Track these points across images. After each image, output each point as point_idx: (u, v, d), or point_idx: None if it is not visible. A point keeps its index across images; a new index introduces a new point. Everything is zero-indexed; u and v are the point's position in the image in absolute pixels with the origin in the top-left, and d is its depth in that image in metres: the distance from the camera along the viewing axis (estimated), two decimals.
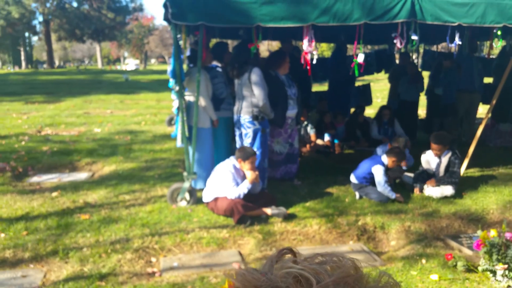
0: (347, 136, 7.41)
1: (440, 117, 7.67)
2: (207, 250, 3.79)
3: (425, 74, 8.13)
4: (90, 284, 3.19)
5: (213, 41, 7.48)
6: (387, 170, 4.96)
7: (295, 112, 5.25)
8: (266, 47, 9.07)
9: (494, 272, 3.25)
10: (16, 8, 36.10)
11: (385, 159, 4.94)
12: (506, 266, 3.18)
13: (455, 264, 3.44)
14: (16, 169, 6.08)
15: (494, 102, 5.52)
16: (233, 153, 4.70)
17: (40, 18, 41.04)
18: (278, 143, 5.36)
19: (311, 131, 6.88)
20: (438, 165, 5.16)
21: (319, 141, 6.96)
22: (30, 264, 3.51)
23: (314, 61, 4.61)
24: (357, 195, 4.99)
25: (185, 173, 4.74)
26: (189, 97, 5.03)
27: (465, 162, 5.53)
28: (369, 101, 9.12)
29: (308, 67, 4.54)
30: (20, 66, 50.60)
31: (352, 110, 8.07)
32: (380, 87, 17.34)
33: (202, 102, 4.92)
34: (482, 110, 8.94)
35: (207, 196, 4.52)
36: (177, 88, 4.69)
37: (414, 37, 4.41)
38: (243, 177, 4.48)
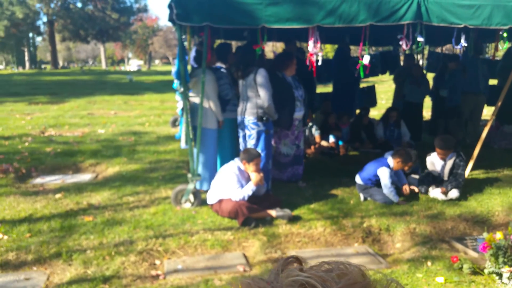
0: (351, 138, 7.38)
1: (445, 119, 7.63)
2: (211, 253, 3.78)
3: (430, 76, 8.10)
4: (94, 287, 3.18)
5: (217, 42, 7.47)
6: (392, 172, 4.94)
7: (302, 113, 5.25)
8: (270, 48, 9.05)
9: (500, 275, 3.22)
10: (20, 9, 36.25)
11: (390, 161, 4.92)
12: None
13: (461, 266, 3.42)
14: (20, 170, 6.08)
15: (499, 104, 5.49)
16: (237, 155, 4.68)
17: (44, 19, 41.25)
18: (285, 145, 5.35)
19: (315, 132, 6.86)
20: (443, 167, 5.13)
21: (323, 143, 6.94)
22: (33, 267, 3.50)
23: (320, 63, 4.59)
24: (362, 197, 4.97)
25: (189, 175, 4.73)
26: (194, 98, 5.02)
27: (470, 164, 5.50)
28: (373, 103, 9.10)
29: (313, 69, 4.53)
30: (24, 67, 50.81)
31: (357, 111, 8.04)
32: (384, 88, 17.31)
33: (210, 102, 4.91)
34: (487, 112, 8.89)
35: (211, 198, 4.50)
36: (181, 89, 4.68)
37: (420, 39, 4.38)
38: (248, 179, 4.46)
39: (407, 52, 8.47)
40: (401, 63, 9.14)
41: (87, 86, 21.11)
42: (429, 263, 3.57)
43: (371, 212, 4.58)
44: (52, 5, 38.10)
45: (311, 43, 4.42)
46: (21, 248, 3.73)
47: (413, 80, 7.64)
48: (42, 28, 43.68)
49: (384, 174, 4.81)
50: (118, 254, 3.63)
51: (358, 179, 5.04)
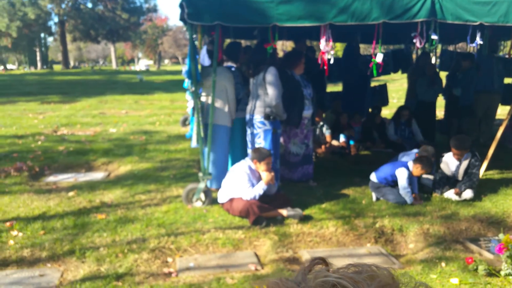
0: (363, 137, 7.33)
1: (458, 118, 7.54)
2: (223, 251, 3.77)
3: (442, 75, 8.01)
4: (107, 284, 3.20)
5: (227, 41, 7.47)
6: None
7: (310, 112, 5.22)
8: (280, 47, 9.02)
9: None
10: (32, 9, 36.64)
11: (411, 165, 4.86)
12: None
13: (476, 267, 3.36)
14: (33, 168, 6.14)
15: None
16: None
17: (56, 19, 41.67)
18: (294, 144, 5.33)
19: (326, 132, 6.82)
20: (458, 167, 5.07)
21: (334, 142, 6.90)
22: (47, 264, 3.53)
23: (332, 61, 4.56)
24: (374, 196, 4.93)
25: (200, 174, 4.73)
26: (205, 97, 5.02)
27: (484, 164, 5.42)
28: (385, 102, 9.02)
29: (325, 67, 4.50)
30: (35, 67, 51.35)
31: (369, 110, 7.98)
32: (395, 87, 17.18)
33: (229, 99, 4.91)
34: (501, 111, 8.77)
35: (222, 196, 4.50)
36: (192, 88, 4.67)
37: (434, 37, 4.32)
38: (259, 178, 4.45)
39: (419, 51, 8.39)
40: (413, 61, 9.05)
41: (98, 85, 21.27)
42: (443, 264, 3.52)
43: (384, 212, 4.54)
44: (63, 6, 38.46)
45: (323, 41, 4.38)
46: (36, 245, 3.76)
47: (427, 79, 7.56)
48: (54, 28, 44.14)
49: (402, 175, 4.76)
50: (130, 252, 3.65)
51: (373, 176, 4.99)
